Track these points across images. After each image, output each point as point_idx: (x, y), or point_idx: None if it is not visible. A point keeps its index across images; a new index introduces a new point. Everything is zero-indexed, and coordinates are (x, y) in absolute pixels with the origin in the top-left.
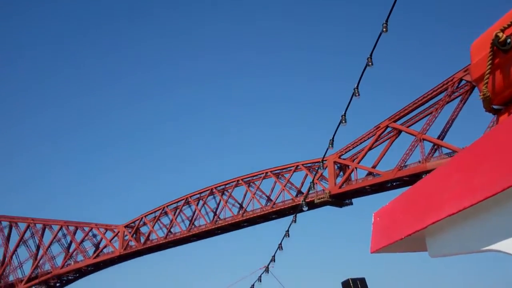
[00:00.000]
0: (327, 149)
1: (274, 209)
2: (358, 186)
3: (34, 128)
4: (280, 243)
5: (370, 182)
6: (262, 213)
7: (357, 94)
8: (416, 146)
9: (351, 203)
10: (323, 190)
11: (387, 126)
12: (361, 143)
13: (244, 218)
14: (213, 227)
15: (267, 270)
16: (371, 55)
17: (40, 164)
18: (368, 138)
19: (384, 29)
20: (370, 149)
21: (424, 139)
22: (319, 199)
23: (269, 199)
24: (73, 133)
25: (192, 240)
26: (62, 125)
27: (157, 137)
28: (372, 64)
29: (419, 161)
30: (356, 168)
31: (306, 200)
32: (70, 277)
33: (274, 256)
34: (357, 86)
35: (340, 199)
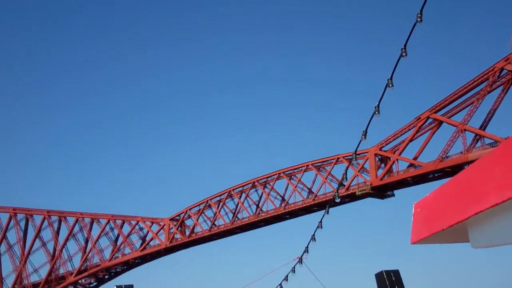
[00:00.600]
0: (360, 141)
1: (315, 202)
2: (400, 178)
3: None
4: (313, 234)
5: (411, 174)
6: (303, 205)
7: (390, 85)
8: (458, 137)
9: (393, 195)
10: (365, 182)
11: (428, 117)
12: (401, 134)
13: (286, 210)
14: (256, 219)
15: (300, 261)
16: (405, 45)
17: (87, 162)
18: (409, 130)
19: (419, 19)
20: (411, 140)
21: (465, 130)
22: (360, 191)
23: (310, 191)
24: (120, 130)
25: (236, 232)
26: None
27: (200, 132)
28: (405, 55)
29: (461, 152)
30: (397, 159)
31: (348, 193)
32: (118, 270)
33: (307, 247)
34: (391, 77)
35: (381, 191)
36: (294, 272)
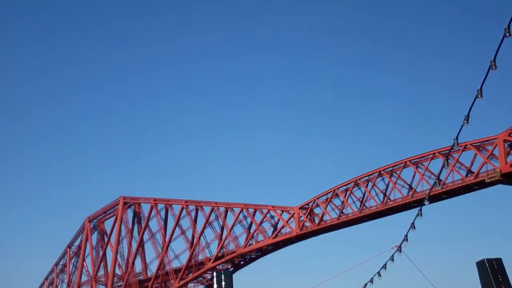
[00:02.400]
0: (462, 126)
1: (443, 190)
2: None
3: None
4: (413, 222)
5: None
6: (431, 193)
7: (493, 67)
8: None
9: None
10: (494, 169)
11: None
12: None
13: (414, 199)
14: (383, 208)
15: (399, 249)
16: (494, 58)
17: (220, 157)
18: None
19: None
20: None
21: None
22: (489, 178)
23: (438, 179)
24: (258, 128)
25: (364, 221)
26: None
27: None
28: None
29: None
30: None
31: (476, 181)
32: (252, 256)
33: (406, 235)
34: (494, 58)
35: None
36: (392, 260)
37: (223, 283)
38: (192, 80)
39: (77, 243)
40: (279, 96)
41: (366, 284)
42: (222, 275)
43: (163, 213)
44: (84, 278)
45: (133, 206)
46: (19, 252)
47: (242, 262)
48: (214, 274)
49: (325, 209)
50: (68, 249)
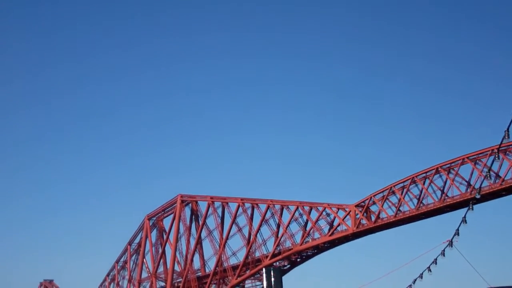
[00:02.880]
0: (503, 138)
1: (502, 187)
2: None
3: None
4: (464, 216)
5: None
6: (490, 190)
7: None
8: None
9: None
10: None
11: None
12: None
13: (473, 196)
14: (441, 205)
15: (450, 244)
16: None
17: (276, 156)
18: None
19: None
20: None
21: None
22: None
23: (497, 176)
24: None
25: (421, 218)
26: None
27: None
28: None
29: None
30: None
31: None
32: (309, 253)
33: (457, 230)
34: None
35: None
36: (444, 255)
37: (272, 279)
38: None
39: (137, 240)
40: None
41: (415, 280)
42: (272, 271)
43: (219, 211)
44: (144, 274)
45: (190, 204)
46: (84, 249)
47: (298, 259)
48: (264, 270)
49: (382, 206)
50: (128, 246)
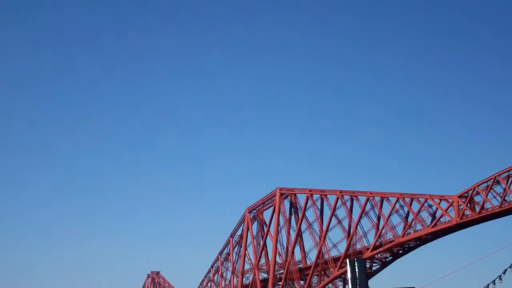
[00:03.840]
0: None
1: None
2: None
3: None
4: None
5: None
6: None
7: None
8: None
9: None
10: None
11: None
12: None
13: None
14: None
15: None
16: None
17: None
18: None
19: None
20: None
21: None
22: None
23: None
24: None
25: None
26: None
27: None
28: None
29: None
30: None
31: None
32: (411, 245)
33: None
34: None
35: None
36: None
37: (356, 269)
38: None
39: (238, 233)
40: None
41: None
42: (356, 262)
43: (318, 204)
44: (246, 266)
45: (289, 197)
46: (188, 242)
47: (400, 251)
48: (347, 262)
49: (486, 196)
50: (231, 238)
